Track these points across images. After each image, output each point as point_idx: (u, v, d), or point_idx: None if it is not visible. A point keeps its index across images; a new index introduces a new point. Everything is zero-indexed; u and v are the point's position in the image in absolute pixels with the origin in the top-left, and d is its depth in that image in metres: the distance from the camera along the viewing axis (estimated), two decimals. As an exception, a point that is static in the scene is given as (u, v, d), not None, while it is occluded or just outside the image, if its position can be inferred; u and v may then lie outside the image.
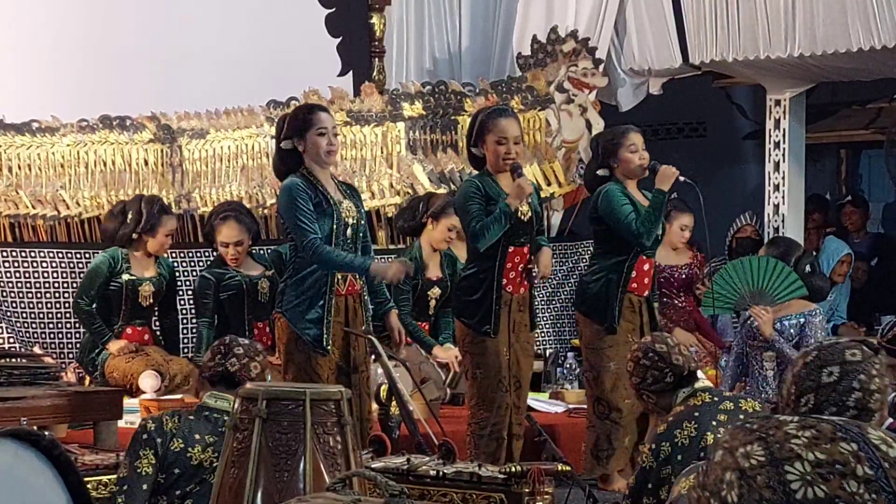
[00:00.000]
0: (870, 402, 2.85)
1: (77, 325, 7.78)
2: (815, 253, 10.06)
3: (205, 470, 4.25)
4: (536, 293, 6.95)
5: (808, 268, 7.27)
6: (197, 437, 4.31)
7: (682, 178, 6.83)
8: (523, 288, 6.53)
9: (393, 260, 6.21)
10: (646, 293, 6.81)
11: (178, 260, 8.08)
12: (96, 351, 7.33)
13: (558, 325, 9.30)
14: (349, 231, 6.05)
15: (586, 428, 6.83)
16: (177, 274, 7.80)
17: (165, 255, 7.68)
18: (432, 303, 7.92)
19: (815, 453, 1.72)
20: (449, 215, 7.68)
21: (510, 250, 6.44)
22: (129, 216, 7.43)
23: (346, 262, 5.95)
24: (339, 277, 6.02)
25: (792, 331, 7.01)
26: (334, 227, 5.99)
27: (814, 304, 7.19)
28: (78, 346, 7.72)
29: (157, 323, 7.68)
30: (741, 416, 4.43)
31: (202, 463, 4.26)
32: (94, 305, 7.36)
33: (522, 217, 6.42)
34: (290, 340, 5.97)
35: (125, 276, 7.37)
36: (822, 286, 7.40)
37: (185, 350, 7.76)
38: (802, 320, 7.02)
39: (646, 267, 6.81)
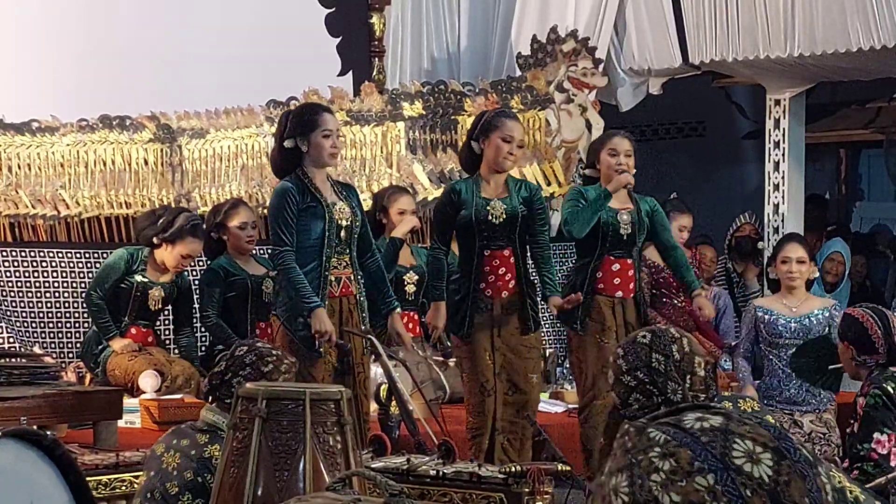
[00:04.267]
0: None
1: (77, 325, 7.78)
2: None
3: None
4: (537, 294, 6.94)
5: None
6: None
7: (629, 187, 6.79)
8: (507, 291, 6.52)
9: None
10: (618, 294, 6.73)
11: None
12: (100, 347, 7.33)
13: (558, 325, 9.29)
14: (343, 233, 6.07)
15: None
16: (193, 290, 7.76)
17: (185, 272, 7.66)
18: (409, 288, 7.92)
19: (670, 495, 1.63)
20: (394, 201, 7.76)
21: (486, 254, 6.47)
22: (161, 220, 7.42)
23: (299, 291, 5.94)
24: (333, 279, 6.05)
25: (819, 328, 7.14)
26: (325, 229, 6.00)
27: (832, 300, 7.30)
28: (78, 345, 7.73)
29: (174, 342, 7.68)
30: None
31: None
32: (104, 300, 7.35)
33: (494, 220, 6.45)
34: (284, 342, 5.98)
35: (138, 278, 7.37)
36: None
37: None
38: (828, 314, 7.17)
39: (615, 267, 6.74)
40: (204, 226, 7.59)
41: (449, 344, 7.88)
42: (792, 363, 6.99)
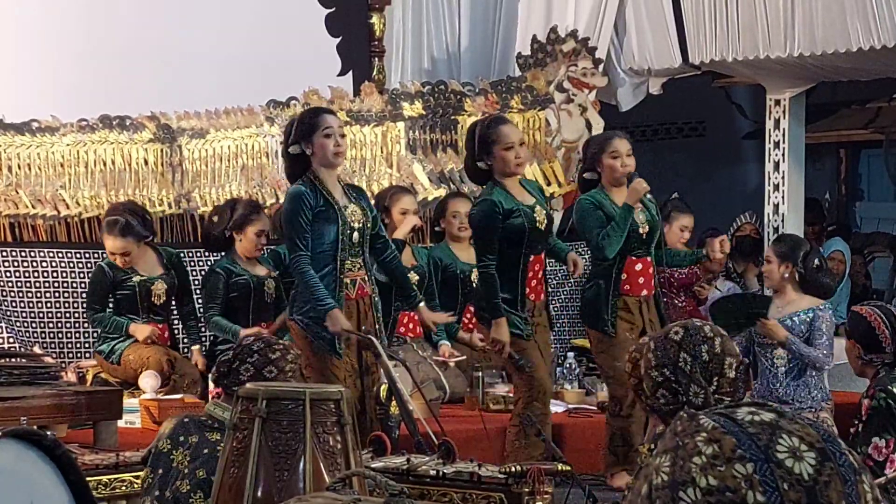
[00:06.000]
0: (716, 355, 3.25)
1: (77, 325, 7.79)
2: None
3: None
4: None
5: (816, 262, 7.30)
6: None
7: (648, 196, 6.86)
8: (543, 294, 6.66)
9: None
10: (643, 293, 6.86)
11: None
12: (108, 346, 7.36)
13: (558, 325, 9.28)
14: (356, 235, 6.08)
15: (605, 426, 6.92)
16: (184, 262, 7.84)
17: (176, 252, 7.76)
18: None
19: (708, 478, 1.63)
20: (396, 201, 7.78)
21: (531, 259, 6.52)
22: None
23: (314, 293, 5.97)
24: (349, 281, 6.08)
25: (802, 327, 7.08)
26: (339, 232, 6.02)
27: (822, 301, 7.23)
28: (78, 345, 7.75)
29: (175, 310, 7.73)
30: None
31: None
32: (107, 309, 7.41)
33: (540, 226, 6.50)
34: (305, 345, 5.99)
35: (136, 278, 7.41)
36: (829, 283, 7.43)
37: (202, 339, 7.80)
38: (812, 315, 7.09)
39: (638, 267, 6.85)
40: (158, 223, 7.64)
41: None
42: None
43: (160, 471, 4.12)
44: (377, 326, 6.14)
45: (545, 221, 6.55)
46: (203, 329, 7.76)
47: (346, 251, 6.05)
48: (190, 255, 8.18)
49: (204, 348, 7.71)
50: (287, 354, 4.14)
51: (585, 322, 7.00)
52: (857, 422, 5.20)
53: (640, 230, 6.82)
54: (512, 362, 6.52)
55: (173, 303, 7.67)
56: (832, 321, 7.25)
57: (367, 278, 6.16)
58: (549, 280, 9.21)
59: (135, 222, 7.44)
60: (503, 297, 6.49)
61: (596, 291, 6.82)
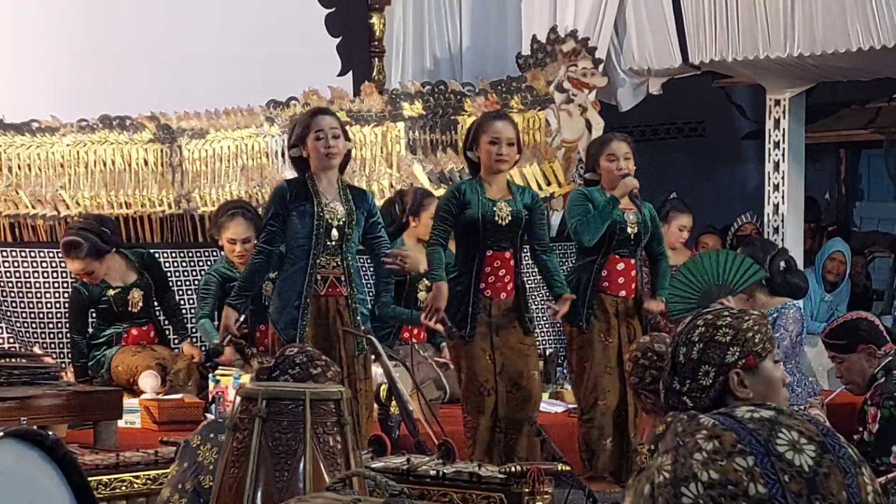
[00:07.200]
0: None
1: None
2: (796, 254, 10.10)
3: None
4: (537, 294, 6.97)
5: (782, 265, 7.31)
6: None
7: (634, 191, 6.82)
8: (505, 293, 6.51)
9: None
10: (621, 293, 6.79)
11: (178, 260, 8.09)
12: (90, 355, 7.38)
13: (558, 325, 9.28)
14: (334, 233, 6.04)
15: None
16: (159, 259, 7.84)
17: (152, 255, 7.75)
18: (421, 295, 7.91)
19: (709, 472, 1.64)
20: (427, 207, 7.73)
21: (488, 255, 6.46)
22: None
23: (237, 285, 6.28)
24: (319, 279, 6.04)
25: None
26: (314, 227, 6.02)
27: (788, 300, 7.24)
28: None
29: (158, 306, 7.71)
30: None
31: None
32: (86, 332, 7.44)
33: (501, 222, 6.44)
34: (273, 342, 6.03)
35: (111, 292, 7.39)
36: (799, 283, 7.44)
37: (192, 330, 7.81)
38: (777, 314, 7.10)
39: (620, 267, 6.79)
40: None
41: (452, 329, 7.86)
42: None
43: (185, 464, 4.15)
44: (355, 327, 6.07)
45: (508, 218, 6.43)
46: (190, 322, 7.78)
47: (320, 248, 6.04)
48: (190, 255, 8.18)
49: (204, 348, 7.70)
50: (327, 371, 4.13)
51: (563, 317, 6.82)
52: (861, 428, 5.15)
53: (629, 229, 6.76)
54: (446, 331, 6.48)
55: (155, 303, 7.65)
56: (796, 319, 7.23)
57: (343, 278, 6.10)
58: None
59: (93, 239, 7.31)
60: (456, 290, 6.44)
61: (576, 285, 6.77)
